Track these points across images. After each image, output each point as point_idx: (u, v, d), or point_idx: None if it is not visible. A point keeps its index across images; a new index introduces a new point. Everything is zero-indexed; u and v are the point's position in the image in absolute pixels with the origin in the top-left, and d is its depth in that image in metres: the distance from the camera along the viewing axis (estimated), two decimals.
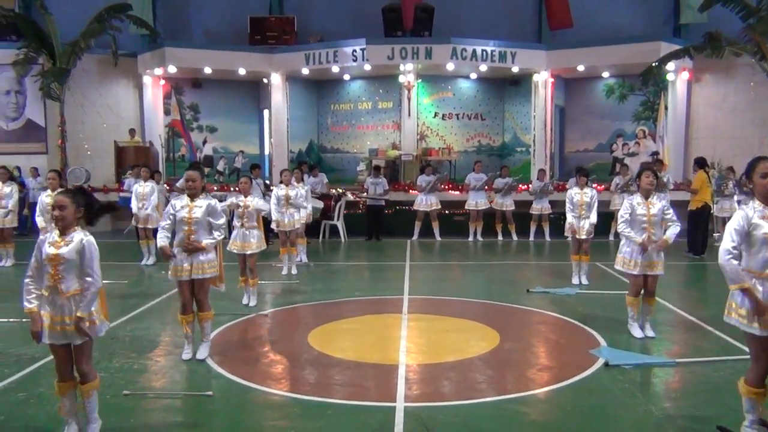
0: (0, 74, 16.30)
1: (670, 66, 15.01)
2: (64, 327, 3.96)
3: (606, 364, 5.55)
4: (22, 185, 14.33)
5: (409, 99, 16.11)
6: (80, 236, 4.00)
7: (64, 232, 4.00)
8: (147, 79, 16.93)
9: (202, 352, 5.82)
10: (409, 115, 16.19)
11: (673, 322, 7.21)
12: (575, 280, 9.21)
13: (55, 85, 15.32)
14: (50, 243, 3.97)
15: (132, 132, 16.73)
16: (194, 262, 5.65)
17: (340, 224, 14.28)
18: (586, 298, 8.36)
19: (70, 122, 16.07)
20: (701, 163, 12.16)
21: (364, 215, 14.83)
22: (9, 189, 10.93)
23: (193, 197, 5.69)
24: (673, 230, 6.23)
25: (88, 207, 4.11)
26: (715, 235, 13.72)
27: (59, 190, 4.45)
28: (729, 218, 4.04)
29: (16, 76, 15.92)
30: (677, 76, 15.85)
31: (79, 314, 3.92)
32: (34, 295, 3.97)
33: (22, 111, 16.64)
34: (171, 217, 5.67)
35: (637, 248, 6.21)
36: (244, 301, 7.98)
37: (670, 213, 6.29)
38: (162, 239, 5.67)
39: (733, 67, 15.47)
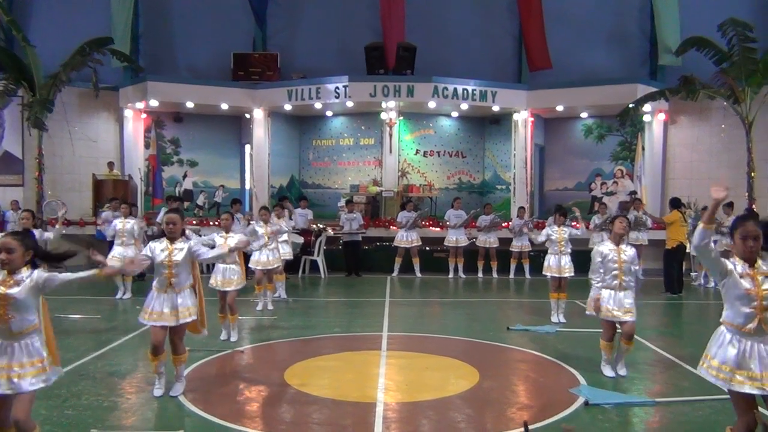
0: None
1: (647, 107, 15.25)
2: (10, 375, 3.75)
3: (586, 403, 5.50)
4: None
5: (390, 136, 16.22)
6: (29, 273, 3.84)
7: (11, 273, 3.83)
8: (128, 113, 16.83)
9: (177, 389, 5.69)
10: (391, 151, 16.28)
11: (651, 361, 7.20)
12: (554, 318, 9.19)
13: (42, 115, 15.16)
14: None
15: (110, 165, 16.58)
16: (173, 308, 5.49)
17: (320, 260, 14.18)
18: (566, 337, 8.34)
19: (48, 155, 15.92)
20: (676, 204, 12.37)
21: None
22: None
23: (172, 240, 5.56)
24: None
25: (35, 250, 3.95)
26: (693, 274, 13.85)
27: (3, 232, 4.29)
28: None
29: None
30: (653, 118, 16.14)
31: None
32: None
33: None
34: (148, 259, 5.50)
35: (608, 295, 6.29)
36: (222, 336, 7.84)
37: (637, 265, 6.75)
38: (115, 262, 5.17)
39: (707, 110, 15.76)
